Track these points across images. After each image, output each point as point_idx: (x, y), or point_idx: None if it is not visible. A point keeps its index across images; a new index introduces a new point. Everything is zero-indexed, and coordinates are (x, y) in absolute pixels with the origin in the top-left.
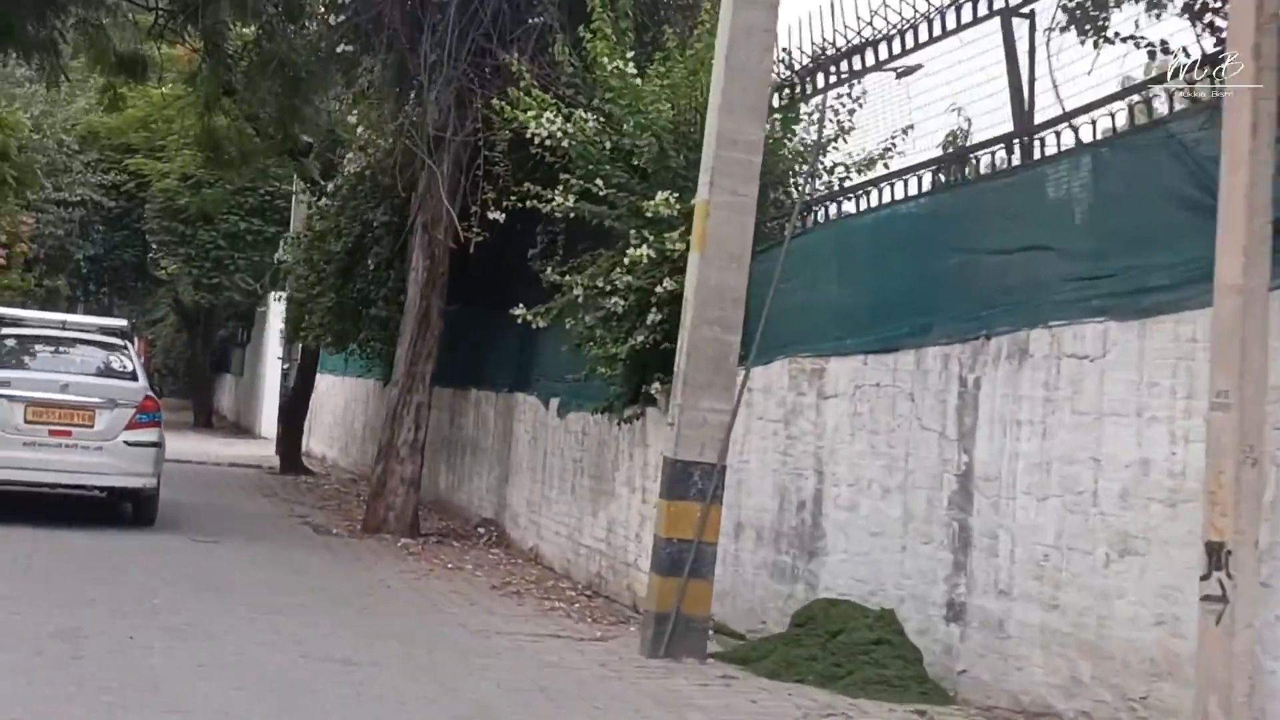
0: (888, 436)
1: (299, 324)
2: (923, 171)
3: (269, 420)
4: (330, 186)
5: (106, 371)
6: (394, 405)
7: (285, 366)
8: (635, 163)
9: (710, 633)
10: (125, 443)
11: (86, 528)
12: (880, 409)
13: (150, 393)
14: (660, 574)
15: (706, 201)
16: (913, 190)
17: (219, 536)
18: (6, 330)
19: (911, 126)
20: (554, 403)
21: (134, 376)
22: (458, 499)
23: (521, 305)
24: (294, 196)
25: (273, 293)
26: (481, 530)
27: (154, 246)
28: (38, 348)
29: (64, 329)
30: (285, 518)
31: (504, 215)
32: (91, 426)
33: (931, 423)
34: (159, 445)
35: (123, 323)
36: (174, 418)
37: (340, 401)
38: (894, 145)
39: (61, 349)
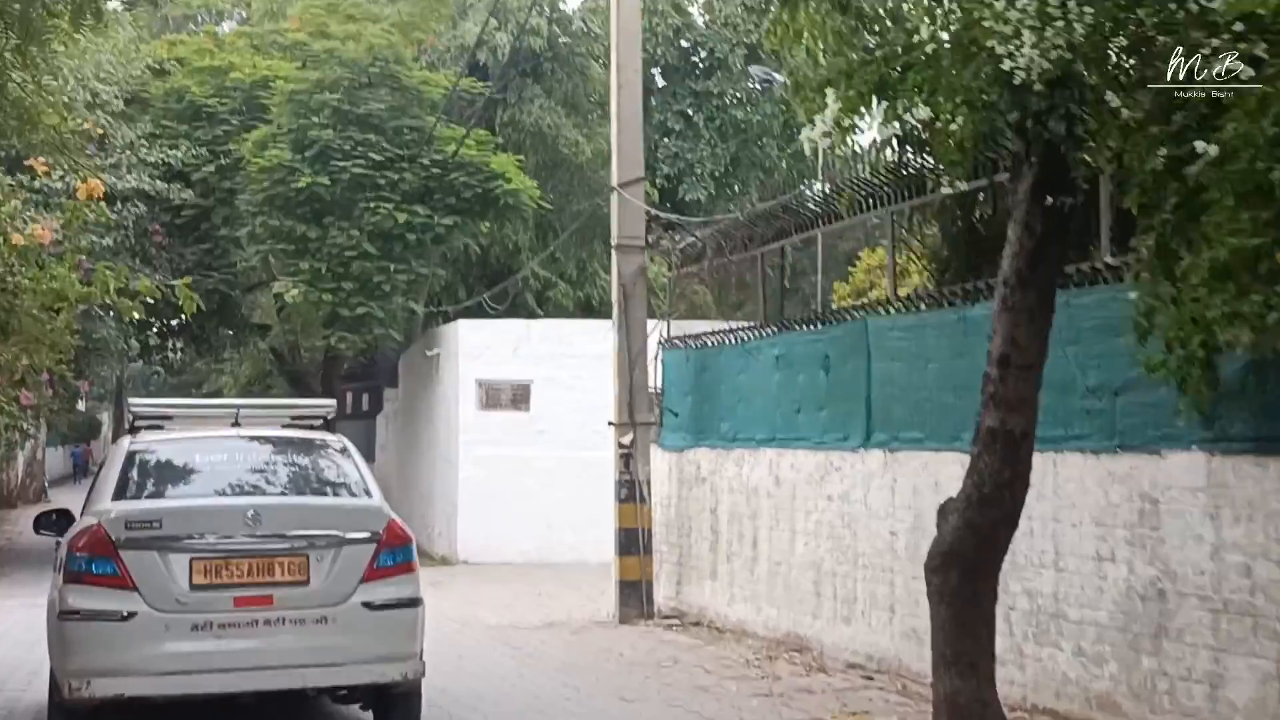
0: None
1: None
2: None
3: (469, 537)
4: None
5: (318, 487)
6: None
7: (627, 443)
8: None
9: None
10: (365, 605)
11: None
12: None
13: (394, 516)
14: None
15: None
16: None
17: None
18: (149, 437)
19: None
20: None
21: (362, 490)
22: None
23: None
24: None
25: (461, 321)
26: None
27: (252, 264)
28: (201, 458)
29: (238, 423)
30: None
31: None
32: (305, 583)
33: None
34: (418, 604)
35: (329, 404)
36: None
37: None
38: None
39: (240, 455)
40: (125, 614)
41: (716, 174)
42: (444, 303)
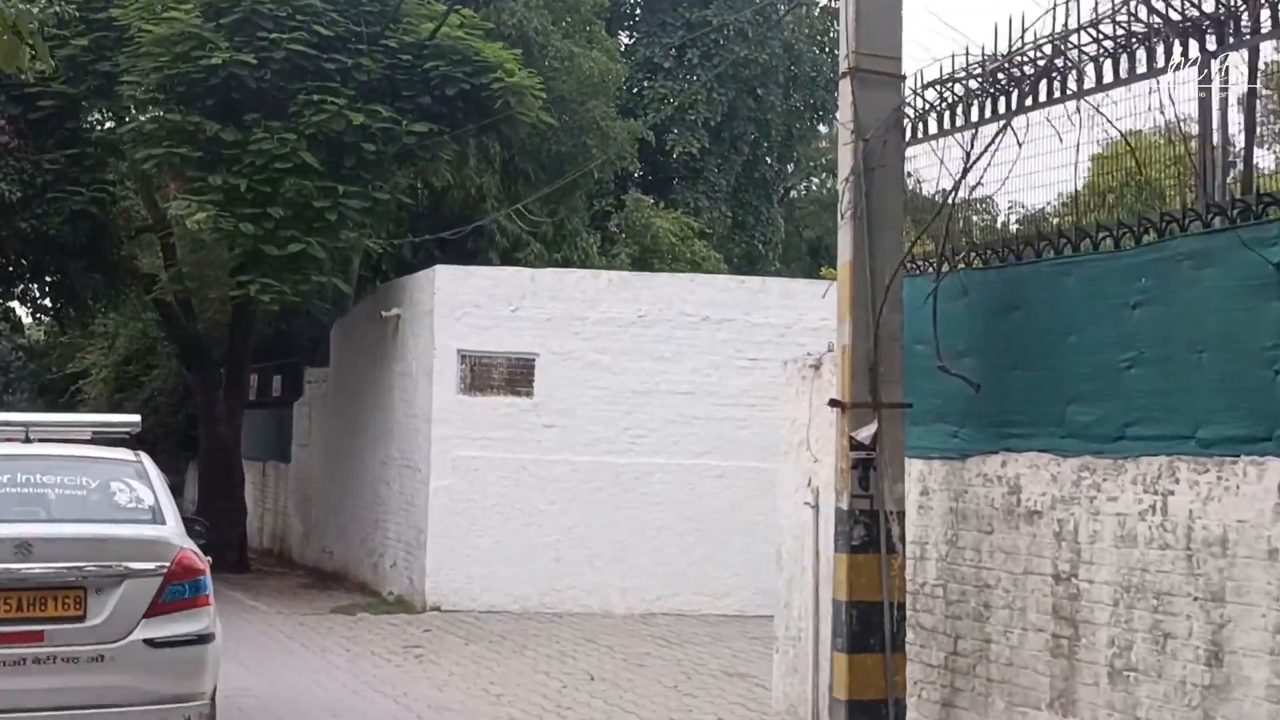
0: None
1: None
2: None
3: (443, 573)
4: None
5: (104, 512)
6: None
7: (866, 441)
8: None
9: None
10: (146, 642)
11: None
12: None
13: (188, 545)
14: None
15: None
16: None
17: None
18: None
19: None
20: None
21: (155, 516)
22: None
23: None
24: None
25: (439, 268)
26: None
27: (128, 186)
28: None
29: (27, 439)
30: None
31: None
32: (81, 618)
33: None
34: (209, 639)
35: (133, 420)
36: None
37: None
38: None
39: (19, 478)
40: None
41: (713, 123)
42: (382, 258)
